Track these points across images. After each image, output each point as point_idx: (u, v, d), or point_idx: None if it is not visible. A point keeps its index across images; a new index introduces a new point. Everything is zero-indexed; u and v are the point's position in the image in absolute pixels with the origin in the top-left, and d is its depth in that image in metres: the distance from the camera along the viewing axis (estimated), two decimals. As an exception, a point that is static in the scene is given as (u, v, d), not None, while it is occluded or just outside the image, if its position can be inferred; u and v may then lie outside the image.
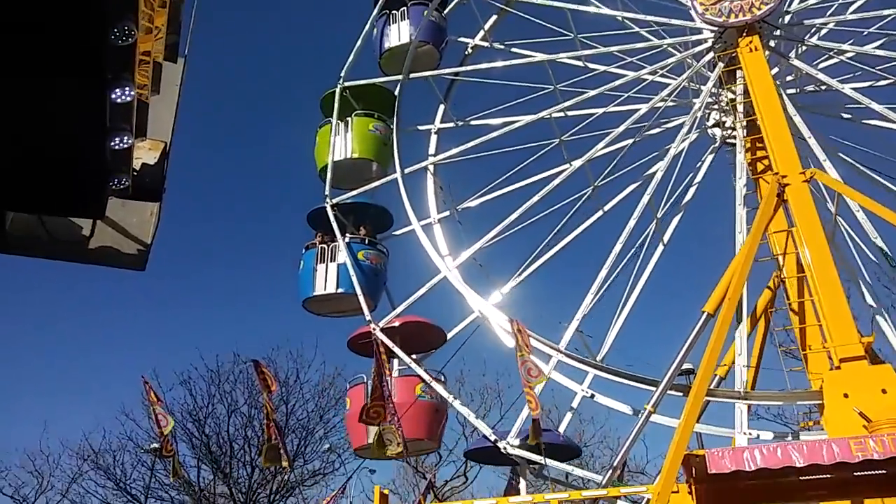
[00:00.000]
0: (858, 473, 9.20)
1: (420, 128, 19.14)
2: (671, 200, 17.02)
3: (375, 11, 19.34)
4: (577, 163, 16.93)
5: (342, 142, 17.80)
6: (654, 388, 13.09)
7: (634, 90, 17.59)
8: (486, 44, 19.61)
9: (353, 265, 15.93)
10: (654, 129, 17.77)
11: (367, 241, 16.89)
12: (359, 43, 19.22)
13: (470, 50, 19.97)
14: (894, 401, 9.72)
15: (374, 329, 15.08)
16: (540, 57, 18.38)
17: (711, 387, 12.86)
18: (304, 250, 17.35)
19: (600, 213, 17.51)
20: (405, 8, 19.05)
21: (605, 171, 17.46)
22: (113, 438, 38.17)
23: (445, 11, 19.92)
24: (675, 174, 16.75)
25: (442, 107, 19.34)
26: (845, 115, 16.13)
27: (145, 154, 3.48)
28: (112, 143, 3.11)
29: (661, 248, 16.45)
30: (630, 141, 17.24)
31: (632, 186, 17.42)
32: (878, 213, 11.79)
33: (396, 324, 15.57)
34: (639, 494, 11.85)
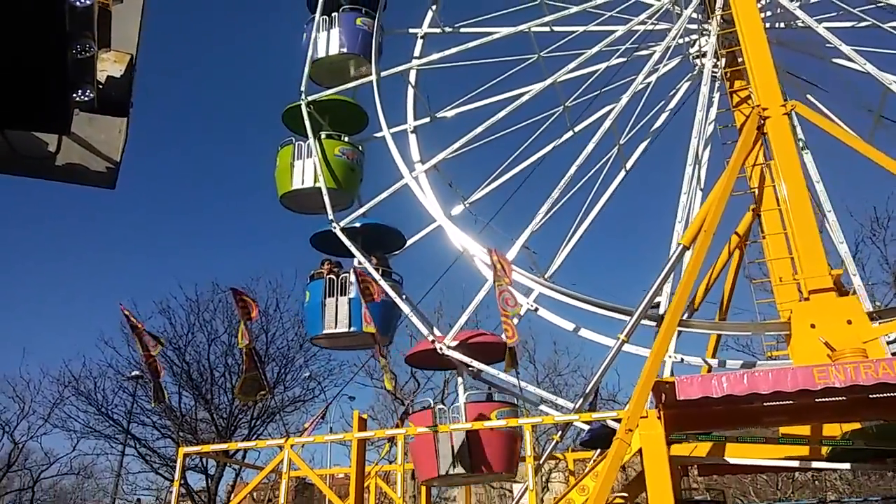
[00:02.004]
0: (820, 400, 9.58)
1: (409, 31, 18.58)
2: (640, 125, 17.02)
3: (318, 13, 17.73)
4: (548, 80, 16.74)
5: (308, 168, 16.45)
6: (597, 310, 13.65)
7: (618, 9, 17.28)
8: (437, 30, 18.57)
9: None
10: (635, 52, 17.42)
11: (380, 271, 15.43)
12: (310, 52, 17.77)
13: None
14: (858, 331, 10.04)
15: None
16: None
17: (683, 318, 13.19)
18: (308, 280, 16.08)
19: (571, 133, 17.47)
20: (336, 14, 17.57)
21: (578, 92, 17.33)
22: (93, 365, 38.46)
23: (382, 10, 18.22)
24: (643, 100, 16.64)
25: (430, 13, 18.73)
26: (817, 55, 15.96)
27: (110, 66, 3.35)
28: (73, 51, 2.98)
29: (622, 173, 16.52)
30: (604, 65, 17.02)
31: (604, 109, 17.29)
32: (852, 145, 11.85)
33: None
34: (609, 420, 12.20)
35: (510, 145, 17.36)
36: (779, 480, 33.43)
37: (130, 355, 31.51)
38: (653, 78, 16.38)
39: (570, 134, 17.38)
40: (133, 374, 31.74)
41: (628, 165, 16.83)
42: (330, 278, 14.96)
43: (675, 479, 11.45)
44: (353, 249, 15.04)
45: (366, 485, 15.01)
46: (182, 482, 25.94)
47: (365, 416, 14.67)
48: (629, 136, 16.82)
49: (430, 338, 14.16)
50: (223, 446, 22.73)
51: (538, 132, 17.06)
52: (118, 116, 3.56)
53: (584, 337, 13.85)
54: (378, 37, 17.75)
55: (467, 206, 16.26)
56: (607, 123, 15.29)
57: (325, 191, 15.79)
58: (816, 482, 33.09)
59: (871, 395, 9.44)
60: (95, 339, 55.97)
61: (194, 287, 41.80)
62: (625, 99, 15.57)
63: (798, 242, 11.20)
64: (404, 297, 15.35)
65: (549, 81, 16.65)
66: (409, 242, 16.12)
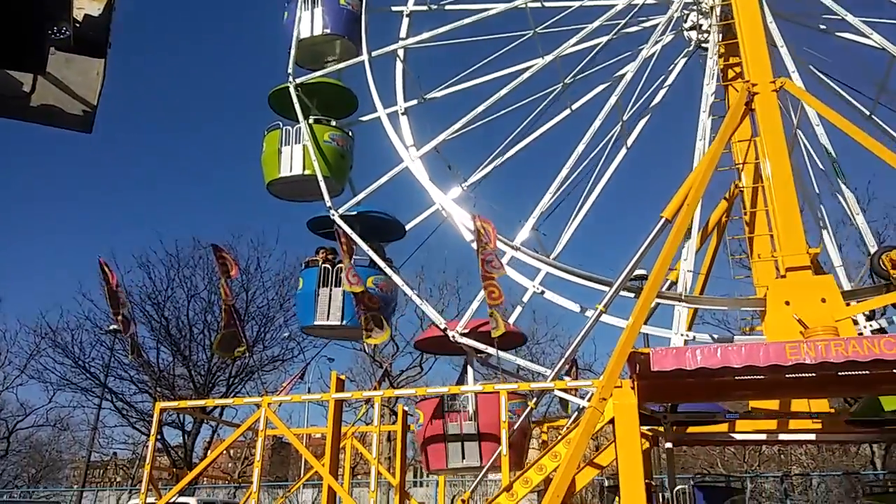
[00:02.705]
0: (790, 376, 9.76)
1: (393, 8, 17.91)
2: (640, 102, 16.88)
3: None
4: (548, 57, 16.49)
5: (296, 155, 15.95)
6: (601, 287, 13.58)
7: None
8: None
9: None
10: (630, 27, 17.23)
11: (374, 265, 15.11)
12: (295, 31, 17.01)
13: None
14: (831, 310, 10.20)
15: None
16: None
17: (662, 290, 13.32)
18: (303, 266, 15.78)
19: (568, 111, 17.27)
20: None
21: (577, 69, 17.00)
22: (71, 317, 38.34)
23: None
24: (644, 76, 16.47)
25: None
26: (821, 27, 15.88)
27: (88, 5, 3.24)
28: (49, -15, 2.88)
29: (623, 150, 16.43)
30: (605, 38, 16.73)
31: (602, 86, 17.16)
32: (839, 126, 11.89)
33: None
34: (584, 388, 12.39)
35: (503, 125, 17.09)
36: (746, 454, 34.26)
37: (109, 309, 31.31)
38: (658, 48, 16.13)
39: (567, 112, 17.16)
40: (111, 327, 31.61)
41: (629, 142, 16.68)
42: (325, 267, 14.53)
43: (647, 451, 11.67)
44: (355, 239, 14.69)
45: (342, 445, 15.16)
46: (158, 437, 26.05)
47: (343, 377, 14.71)
48: (630, 112, 16.68)
49: (442, 325, 14.02)
50: (200, 403, 22.75)
51: (537, 111, 16.73)
52: (95, 57, 3.46)
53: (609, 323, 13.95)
54: (367, 15, 17.22)
55: (465, 188, 16.00)
56: (613, 99, 15.15)
57: (321, 178, 15.38)
58: (782, 456, 33.98)
59: (839, 373, 9.62)
60: (73, 291, 55.64)
61: (175, 242, 41.57)
62: (630, 74, 15.42)
63: (778, 220, 11.30)
64: (410, 287, 15.14)
65: (552, 56, 16.29)
66: (409, 227, 15.75)
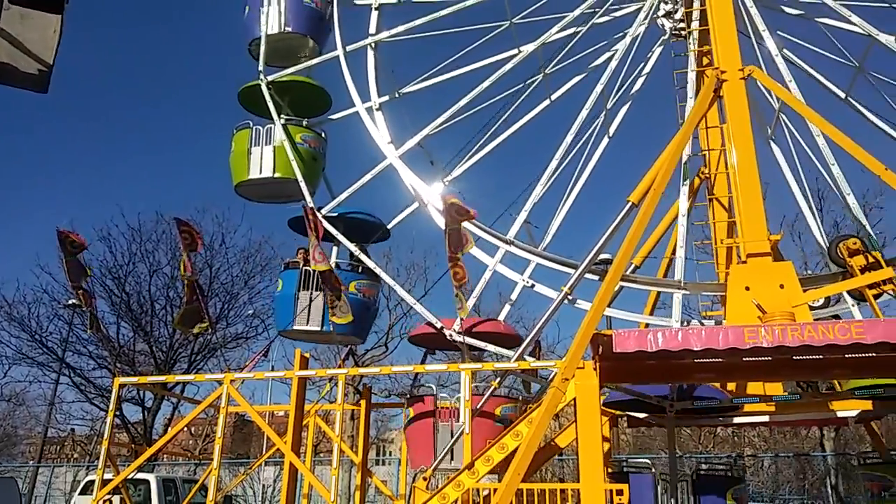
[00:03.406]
0: (748, 359, 9.97)
1: (358, 2, 17.33)
2: (621, 92, 16.88)
3: None
4: (530, 47, 16.29)
5: (266, 156, 15.53)
6: (588, 276, 13.66)
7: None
8: None
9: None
10: (606, 16, 17.19)
11: (360, 269, 14.86)
12: (264, 27, 16.42)
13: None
14: (789, 295, 10.45)
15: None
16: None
17: (627, 273, 13.48)
18: (283, 267, 15.41)
19: (547, 101, 17.16)
20: None
21: (558, 58, 16.80)
22: (28, 291, 37.38)
23: None
24: (626, 65, 16.47)
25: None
26: (797, 11, 15.92)
27: (43, -42, 3.11)
28: (2, -64, 2.73)
29: (606, 140, 16.39)
30: (586, 27, 16.62)
31: (579, 77, 17.14)
32: (804, 115, 12.11)
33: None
34: (547, 369, 12.53)
35: (480, 118, 16.64)
36: (701, 435, 35.11)
37: (67, 282, 30.63)
38: (641, 30, 16.06)
39: (546, 102, 17.04)
40: (70, 301, 30.94)
41: (611, 131, 16.66)
42: (306, 270, 14.12)
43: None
44: (341, 240, 14.51)
45: (305, 423, 15.12)
46: (118, 413, 25.71)
47: (307, 355, 14.66)
48: (614, 100, 16.64)
49: (438, 324, 13.88)
50: (161, 378, 22.46)
51: (519, 101, 16.47)
52: (52, 13, 3.31)
53: (580, 308, 14.04)
54: (339, 9, 16.74)
55: (447, 183, 15.77)
56: (599, 88, 15.11)
57: (301, 179, 15.08)
58: (735, 438, 34.90)
59: (794, 357, 9.87)
60: (31, 264, 54.26)
61: (137, 216, 40.77)
62: (614, 62, 15.40)
63: (742, 206, 11.49)
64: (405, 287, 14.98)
65: (535, 45, 16.09)
66: (391, 226, 15.53)
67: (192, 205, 72.91)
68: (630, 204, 12.51)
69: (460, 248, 12.35)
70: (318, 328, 13.79)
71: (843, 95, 15.36)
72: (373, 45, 16.74)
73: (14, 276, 71.11)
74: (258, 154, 15.48)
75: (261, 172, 15.44)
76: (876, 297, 10.98)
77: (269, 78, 16.08)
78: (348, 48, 16.45)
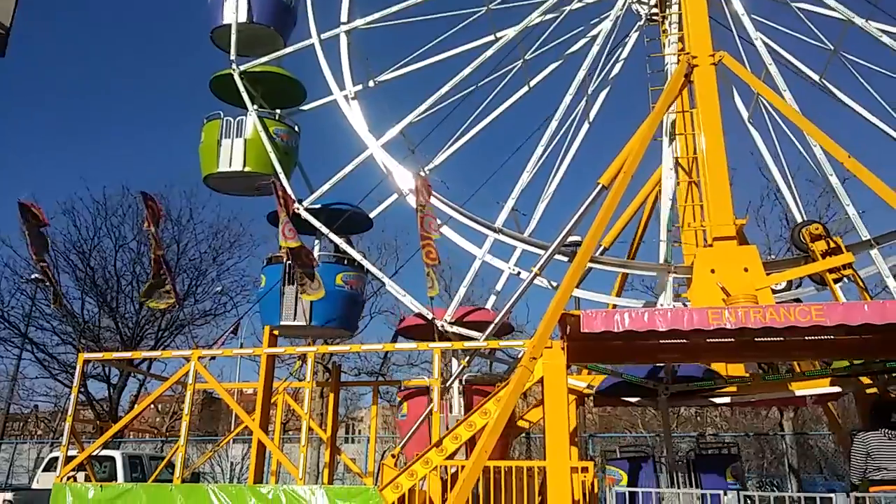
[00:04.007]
0: (711, 340, 10.19)
1: None
2: (600, 77, 16.88)
3: None
4: (510, 32, 16.13)
5: (237, 149, 15.14)
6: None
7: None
8: None
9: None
10: (581, 2, 17.09)
11: (345, 261, 14.51)
12: (235, 16, 16.00)
13: None
14: (753, 279, 10.67)
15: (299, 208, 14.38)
16: None
17: (596, 255, 13.64)
18: (265, 263, 15.02)
19: (526, 88, 17.06)
20: None
21: (537, 44, 16.72)
22: (-12, 265, 36.49)
23: None
24: (606, 50, 16.46)
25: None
26: None
27: (2, -81, 3.01)
28: None
29: (586, 125, 16.39)
30: (563, 13, 16.53)
31: (558, 63, 17.10)
32: (776, 105, 12.30)
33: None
34: (515, 349, 12.67)
35: (460, 106, 16.35)
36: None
37: (31, 255, 30.02)
38: (619, 15, 16.01)
39: (525, 89, 16.92)
40: (33, 276, 30.33)
41: (591, 115, 16.62)
42: (289, 265, 13.76)
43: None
44: (327, 233, 14.32)
45: (273, 400, 15.08)
46: (82, 390, 25.36)
47: (276, 332, 14.58)
48: (594, 86, 16.60)
49: (430, 315, 13.77)
50: (127, 355, 22.19)
51: (499, 88, 16.34)
52: (11, -21, 3.22)
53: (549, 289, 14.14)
54: (292, 13, 16.43)
55: (426, 172, 15.58)
56: (581, 74, 15.04)
57: (280, 172, 14.78)
58: (698, 418, 35.70)
59: (756, 339, 10.11)
60: (-10, 237, 52.82)
61: (102, 189, 40.00)
62: (596, 47, 15.37)
63: (709, 190, 11.68)
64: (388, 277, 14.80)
65: (514, 31, 15.86)
66: (372, 215, 15.34)
67: (160, 180, 71.78)
68: (600, 186, 12.65)
69: (433, 229, 12.39)
70: (306, 323, 13.58)
71: (817, 78, 15.57)
72: (347, 32, 16.41)
73: (-27, 249, 69.27)
74: (228, 146, 15.15)
75: (230, 165, 15.12)
76: (836, 281, 11.27)
77: (242, 68, 15.71)
78: (323, 36, 16.15)
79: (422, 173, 15.37)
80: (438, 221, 12.58)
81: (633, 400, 13.44)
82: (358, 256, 14.60)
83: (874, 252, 12.32)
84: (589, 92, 16.28)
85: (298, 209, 14.47)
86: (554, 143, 15.46)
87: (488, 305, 14.94)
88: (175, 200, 37.22)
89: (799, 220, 14.05)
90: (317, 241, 14.86)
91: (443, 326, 13.72)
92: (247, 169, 15.11)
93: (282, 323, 14.07)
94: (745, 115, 14.97)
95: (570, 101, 15.29)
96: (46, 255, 13.60)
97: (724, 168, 11.96)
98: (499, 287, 14.75)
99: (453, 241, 14.69)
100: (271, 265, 14.31)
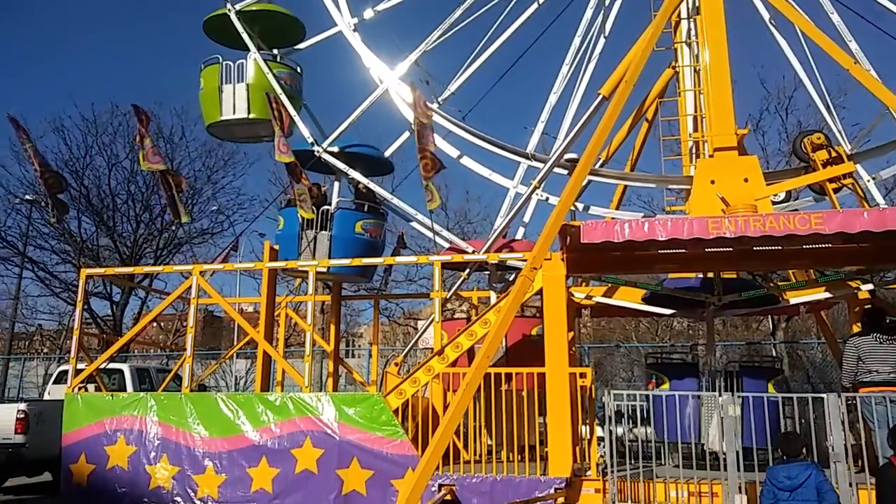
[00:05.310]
0: (710, 250, 10.32)
1: None
2: None
3: None
4: None
5: (239, 95, 14.40)
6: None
7: None
8: None
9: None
10: None
11: (366, 208, 13.94)
12: None
13: None
14: (752, 189, 10.65)
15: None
16: None
17: (596, 167, 13.58)
18: (283, 204, 14.46)
19: (535, 5, 16.27)
20: None
21: None
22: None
23: None
24: None
25: None
26: None
27: None
28: None
29: (602, 40, 15.75)
30: None
31: None
32: (790, 19, 11.92)
33: None
34: (515, 261, 12.76)
35: (470, 31, 15.33)
36: (658, 327, 36.65)
37: (23, 175, 29.80)
38: None
39: (535, 6, 16.11)
40: (26, 197, 30.20)
41: (607, 29, 15.75)
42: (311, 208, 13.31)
43: (571, 317, 12.27)
44: (353, 174, 13.85)
45: (276, 314, 15.34)
46: (86, 308, 25.69)
47: (276, 247, 14.67)
48: None
49: (470, 250, 13.28)
50: (129, 270, 22.37)
51: (510, 6, 15.15)
52: None
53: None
54: None
55: (441, 102, 14.77)
56: None
57: (296, 118, 14.11)
58: (690, 331, 36.51)
59: (755, 248, 10.23)
60: (-21, 154, 52.27)
61: (91, 106, 39.25)
62: None
63: (712, 100, 11.49)
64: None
65: None
66: (388, 153, 14.76)
67: (150, 97, 70.30)
68: (601, 97, 12.45)
69: (430, 142, 12.26)
70: (326, 269, 13.20)
71: None
72: None
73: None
74: (230, 92, 14.48)
75: (234, 113, 14.49)
76: (836, 190, 11.28)
77: (238, 6, 14.81)
78: None
79: (438, 101, 14.85)
80: (433, 135, 12.36)
81: (666, 312, 13.48)
82: (385, 193, 14.31)
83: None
84: (606, 3, 15.57)
85: (319, 152, 14.08)
86: (575, 61, 14.89)
87: (518, 236, 14.81)
88: (166, 118, 36.60)
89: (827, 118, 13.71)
90: (336, 184, 14.43)
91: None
92: (252, 116, 14.48)
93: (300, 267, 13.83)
94: (766, 16, 14.35)
95: (590, 16, 14.72)
96: (48, 169, 13.47)
97: (727, 77, 11.70)
98: (527, 217, 14.43)
99: (478, 172, 14.28)
100: (290, 206, 13.88)
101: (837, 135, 12.48)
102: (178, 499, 11.03)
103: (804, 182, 12.02)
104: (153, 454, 11.33)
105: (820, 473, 6.26)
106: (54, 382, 18.56)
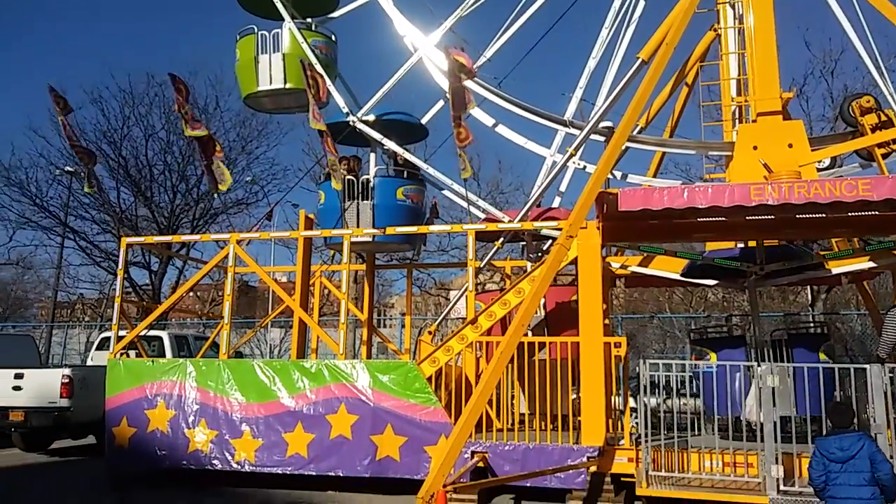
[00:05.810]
0: (751, 217, 10.05)
1: None
2: None
3: None
4: None
5: (276, 65, 14.30)
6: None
7: None
8: None
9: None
10: None
11: (405, 174, 13.88)
12: None
13: None
14: (797, 155, 10.34)
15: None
16: None
17: (634, 133, 13.29)
18: (323, 178, 14.40)
19: None
20: None
21: None
22: (23, 155, 37.04)
23: None
24: None
25: None
26: None
27: None
28: None
29: (642, 2, 15.26)
30: None
31: None
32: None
33: None
34: (550, 230, 12.62)
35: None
36: (693, 298, 36.12)
37: (63, 147, 30.33)
38: None
39: None
40: (67, 168, 30.77)
41: None
42: (350, 179, 13.30)
43: (606, 288, 12.11)
44: (388, 143, 13.78)
45: (311, 283, 15.46)
46: (126, 276, 26.25)
47: (311, 216, 14.72)
48: None
49: (506, 219, 13.30)
50: (168, 238, 22.75)
51: None
52: None
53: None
54: None
55: (476, 69, 14.72)
56: None
57: (332, 88, 14.00)
58: (725, 302, 35.93)
59: (798, 216, 9.94)
60: (23, 126, 53.17)
61: (127, 77, 39.64)
62: None
63: (756, 63, 11.13)
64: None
65: None
66: (425, 120, 14.59)
67: (184, 67, 70.74)
68: (640, 61, 12.14)
69: (463, 109, 12.09)
70: (371, 239, 13.28)
71: None
72: None
73: (7, 139, 69.70)
74: (266, 62, 14.40)
75: (271, 83, 14.43)
76: (885, 156, 10.88)
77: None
78: None
79: (474, 69, 14.58)
80: (471, 98, 12.17)
81: (708, 282, 13.21)
82: (419, 162, 14.19)
83: None
84: None
85: (353, 122, 14.01)
86: (615, 24, 14.46)
87: (555, 204, 14.65)
88: (200, 88, 36.77)
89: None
90: (372, 154, 14.37)
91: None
92: (288, 85, 14.37)
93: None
94: None
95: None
96: (77, 143, 13.64)
97: (772, 39, 11.32)
98: (563, 186, 14.31)
99: (514, 141, 14.08)
100: (330, 180, 13.80)
101: (889, 97, 11.99)
102: (216, 461, 11.29)
103: (851, 147, 11.62)
104: (192, 418, 11.58)
105: (873, 444, 6.09)
106: (97, 349, 19.03)
